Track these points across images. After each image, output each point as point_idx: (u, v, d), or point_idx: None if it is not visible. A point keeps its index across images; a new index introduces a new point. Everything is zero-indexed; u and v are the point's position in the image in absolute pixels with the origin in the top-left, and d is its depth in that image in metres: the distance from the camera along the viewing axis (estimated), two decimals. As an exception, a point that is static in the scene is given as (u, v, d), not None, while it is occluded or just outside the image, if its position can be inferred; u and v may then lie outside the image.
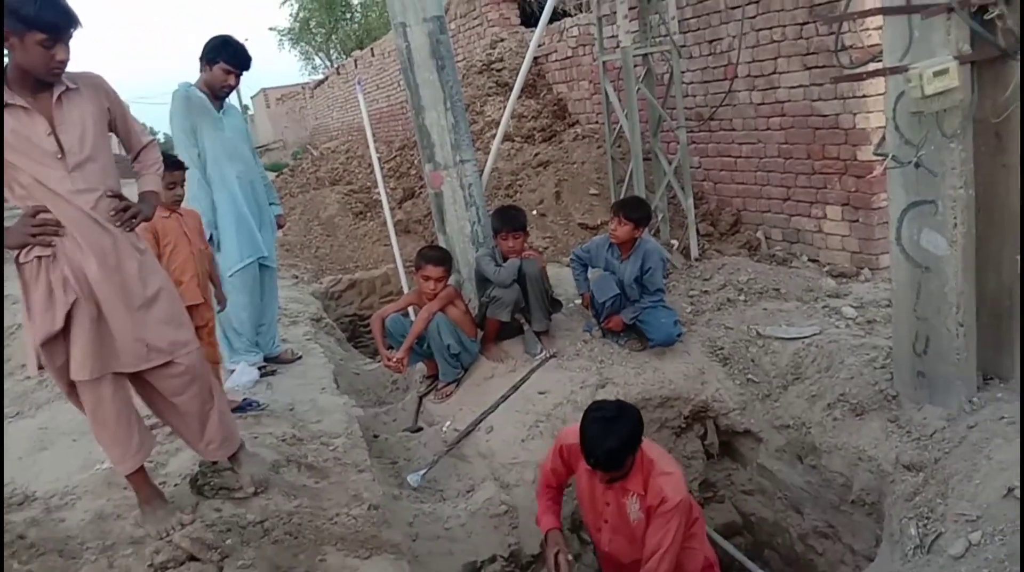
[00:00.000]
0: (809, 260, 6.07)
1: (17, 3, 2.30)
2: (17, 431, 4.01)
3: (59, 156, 2.45)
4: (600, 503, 3.19)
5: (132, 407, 2.75)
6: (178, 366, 2.72)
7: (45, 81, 2.45)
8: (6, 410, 4.39)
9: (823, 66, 5.50)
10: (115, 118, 2.70)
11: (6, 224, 2.47)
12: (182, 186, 3.67)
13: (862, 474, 3.71)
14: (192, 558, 2.56)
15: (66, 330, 2.53)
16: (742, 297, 5.25)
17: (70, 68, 2.49)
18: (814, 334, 4.61)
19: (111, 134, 2.73)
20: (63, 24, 2.39)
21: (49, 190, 2.46)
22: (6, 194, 2.51)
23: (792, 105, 5.90)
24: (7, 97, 2.39)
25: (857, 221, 5.60)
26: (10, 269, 2.64)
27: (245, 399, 3.98)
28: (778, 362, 4.56)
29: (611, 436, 2.86)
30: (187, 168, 3.72)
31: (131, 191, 2.78)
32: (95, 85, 2.61)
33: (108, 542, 2.74)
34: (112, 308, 2.57)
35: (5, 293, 4.31)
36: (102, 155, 2.58)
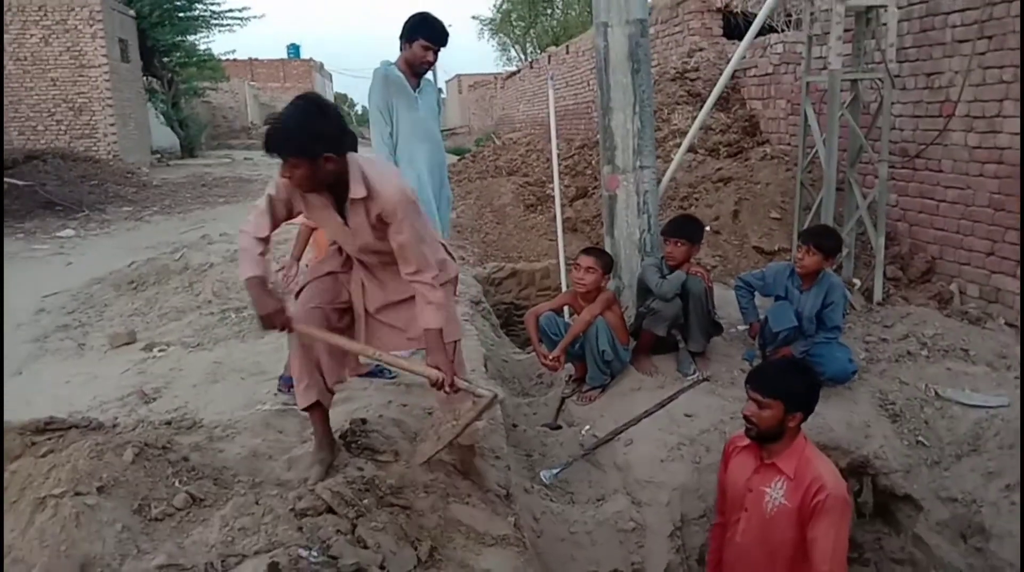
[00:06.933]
0: (1006, 324, 5.49)
1: None
2: (197, 360, 4.36)
3: None
4: (743, 490, 3.12)
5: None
6: None
7: None
8: (189, 340, 4.79)
9: (1059, 114, 4.96)
10: None
11: None
12: None
13: (1039, 570, 3.32)
14: (330, 510, 2.66)
15: None
16: (924, 352, 4.85)
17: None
18: (1001, 405, 4.19)
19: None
20: None
21: None
22: None
23: (1012, 153, 5.35)
24: None
25: (1071, 291, 5.02)
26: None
27: (377, 366, 3.89)
28: (955, 429, 4.18)
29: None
30: None
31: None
32: None
33: (257, 479, 2.92)
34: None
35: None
36: None
